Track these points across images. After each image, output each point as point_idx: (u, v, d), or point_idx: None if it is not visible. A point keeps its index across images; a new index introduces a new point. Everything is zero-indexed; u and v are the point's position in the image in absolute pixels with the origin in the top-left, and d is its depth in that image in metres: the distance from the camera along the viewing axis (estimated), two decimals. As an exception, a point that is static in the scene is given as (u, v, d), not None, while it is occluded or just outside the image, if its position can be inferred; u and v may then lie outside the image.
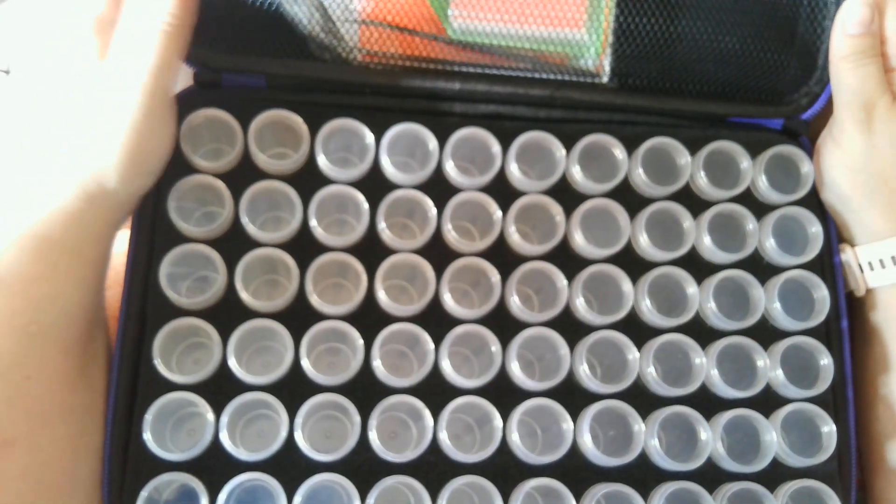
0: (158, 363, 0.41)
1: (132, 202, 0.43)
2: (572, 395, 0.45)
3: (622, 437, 0.45)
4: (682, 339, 0.45)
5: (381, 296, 0.43)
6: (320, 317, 0.43)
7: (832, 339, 0.47)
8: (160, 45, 0.40)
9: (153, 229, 0.44)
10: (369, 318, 0.44)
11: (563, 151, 0.46)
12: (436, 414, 0.43)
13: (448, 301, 0.44)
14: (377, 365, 0.43)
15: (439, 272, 0.44)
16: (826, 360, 0.46)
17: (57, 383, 0.40)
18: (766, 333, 0.47)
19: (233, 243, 0.44)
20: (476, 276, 0.46)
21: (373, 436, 0.42)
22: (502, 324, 0.45)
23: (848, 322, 0.48)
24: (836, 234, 0.49)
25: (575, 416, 0.44)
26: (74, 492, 0.41)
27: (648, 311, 0.45)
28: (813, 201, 0.48)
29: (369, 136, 0.45)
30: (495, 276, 0.44)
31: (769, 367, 0.46)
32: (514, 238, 0.45)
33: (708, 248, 0.46)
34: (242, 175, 0.45)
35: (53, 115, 0.41)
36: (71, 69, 0.41)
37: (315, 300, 0.43)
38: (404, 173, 0.45)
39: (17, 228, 0.40)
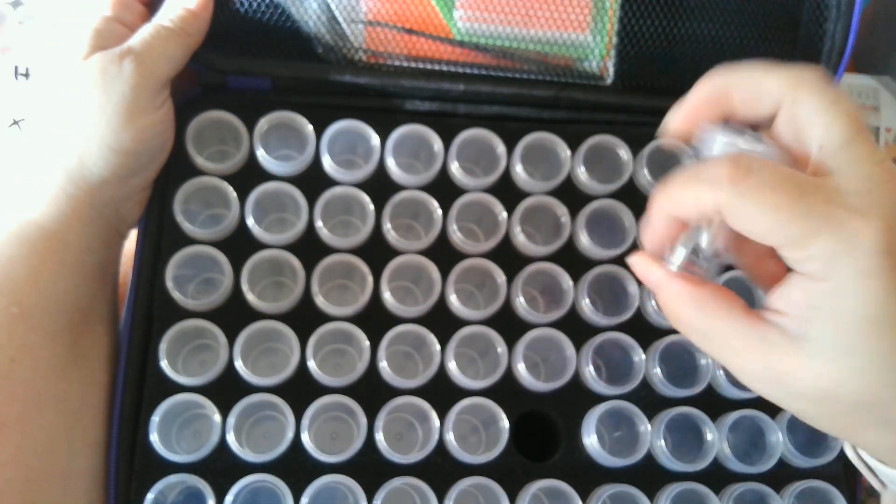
0: (165, 365, 0.41)
1: (116, 183, 0.41)
2: (578, 396, 0.45)
3: (628, 438, 0.45)
4: (687, 339, 0.45)
5: (387, 297, 0.43)
6: (326, 318, 0.43)
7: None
8: (155, 34, 0.41)
9: (159, 232, 0.44)
10: (375, 320, 0.44)
11: (568, 152, 0.46)
12: (442, 415, 0.43)
13: (454, 302, 0.44)
14: (383, 366, 0.43)
15: (445, 273, 0.44)
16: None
17: (45, 369, 0.39)
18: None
19: (239, 245, 0.44)
20: (481, 276, 0.46)
21: (379, 437, 0.42)
22: (508, 325, 0.45)
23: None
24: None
25: (581, 417, 0.44)
26: (69, 484, 0.40)
27: (654, 312, 0.45)
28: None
29: (374, 138, 0.45)
30: (501, 276, 0.44)
31: (775, 368, 0.46)
32: (520, 239, 0.45)
33: (713, 248, 0.46)
34: (248, 177, 0.45)
35: (46, 107, 0.42)
36: (64, 63, 0.41)
37: (321, 301, 0.43)
38: (409, 174, 0.45)
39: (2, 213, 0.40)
